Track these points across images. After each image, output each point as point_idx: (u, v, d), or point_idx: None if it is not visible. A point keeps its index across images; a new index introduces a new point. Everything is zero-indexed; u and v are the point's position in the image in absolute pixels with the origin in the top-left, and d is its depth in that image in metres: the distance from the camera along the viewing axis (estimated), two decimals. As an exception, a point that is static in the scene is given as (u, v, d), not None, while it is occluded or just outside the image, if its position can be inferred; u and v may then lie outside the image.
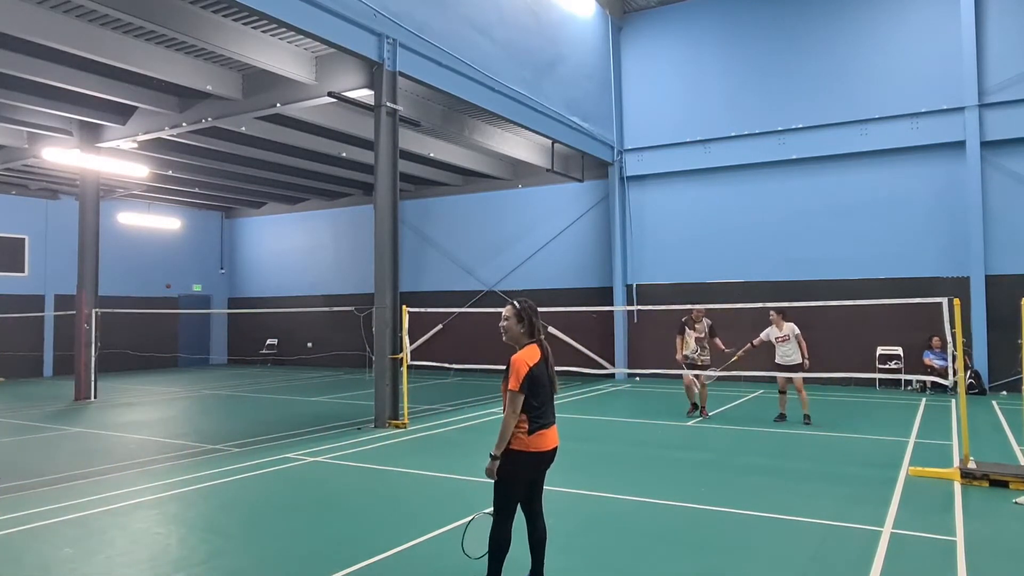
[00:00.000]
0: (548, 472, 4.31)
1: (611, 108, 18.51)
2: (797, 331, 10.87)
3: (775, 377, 11.35)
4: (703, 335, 11.37)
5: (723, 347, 11.32)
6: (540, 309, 4.37)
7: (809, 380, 15.74)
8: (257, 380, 19.49)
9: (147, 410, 13.78)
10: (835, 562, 4.88)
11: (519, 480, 4.14)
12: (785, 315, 11.00)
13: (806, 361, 10.82)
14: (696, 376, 11.42)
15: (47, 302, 21.33)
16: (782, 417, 11.14)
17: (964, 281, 14.84)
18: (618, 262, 18.47)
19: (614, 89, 18.64)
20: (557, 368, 4.37)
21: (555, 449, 4.24)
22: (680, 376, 11.63)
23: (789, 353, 10.84)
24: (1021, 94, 14.56)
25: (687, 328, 11.40)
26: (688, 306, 11.59)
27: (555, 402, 4.33)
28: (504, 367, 4.12)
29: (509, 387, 4.03)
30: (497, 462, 4.06)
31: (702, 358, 11.35)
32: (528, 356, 4.11)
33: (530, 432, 4.07)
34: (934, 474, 7.23)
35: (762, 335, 11.16)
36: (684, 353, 11.35)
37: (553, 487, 7.03)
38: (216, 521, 6.01)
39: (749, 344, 11.30)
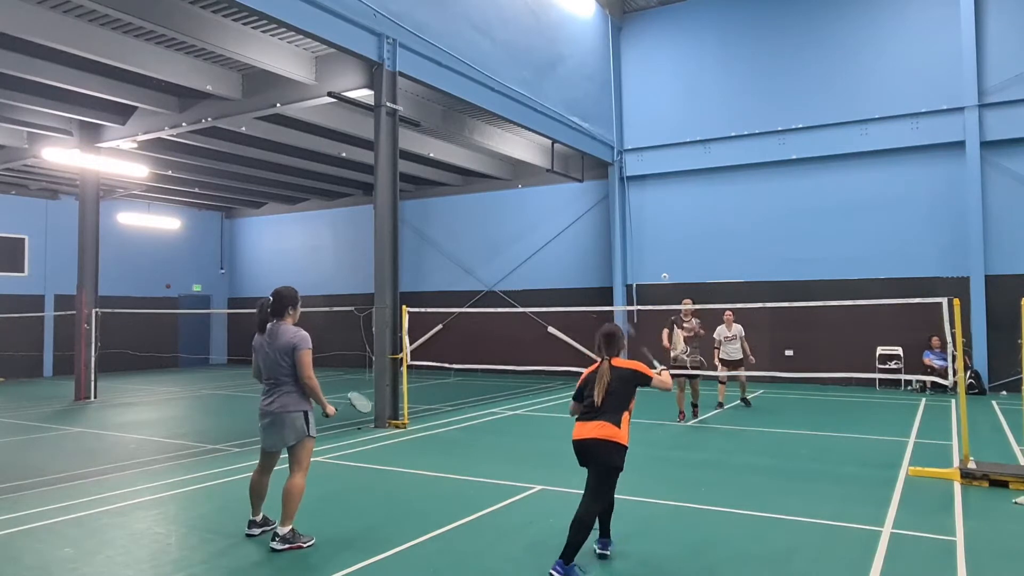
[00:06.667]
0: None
1: (611, 108, 18.51)
2: (743, 332, 12.42)
3: (727, 376, 12.58)
4: (692, 334, 10.97)
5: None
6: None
7: (809, 380, 15.88)
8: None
9: (147, 410, 13.78)
10: (835, 562, 4.88)
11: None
12: (736, 317, 12.47)
13: (751, 358, 12.37)
14: (690, 377, 10.95)
15: (47, 302, 21.33)
16: (720, 406, 12.41)
17: (964, 281, 14.84)
18: (618, 262, 18.47)
19: (614, 89, 18.64)
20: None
21: (579, 440, 4.78)
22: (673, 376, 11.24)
23: (733, 352, 12.33)
24: (1021, 94, 14.56)
25: (676, 327, 10.99)
26: (688, 306, 11.41)
27: (603, 407, 4.81)
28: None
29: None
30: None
31: (692, 360, 10.92)
32: (592, 367, 5.02)
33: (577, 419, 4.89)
34: (934, 474, 7.23)
35: (715, 334, 12.36)
36: (674, 354, 10.85)
37: (553, 487, 7.06)
38: (216, 521, 6.01)
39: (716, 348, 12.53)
